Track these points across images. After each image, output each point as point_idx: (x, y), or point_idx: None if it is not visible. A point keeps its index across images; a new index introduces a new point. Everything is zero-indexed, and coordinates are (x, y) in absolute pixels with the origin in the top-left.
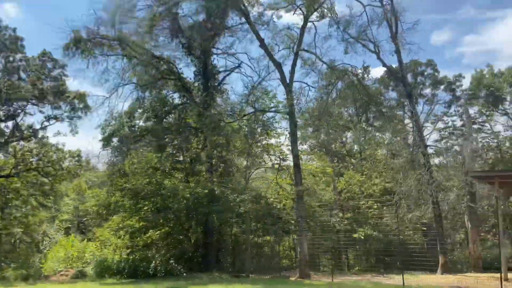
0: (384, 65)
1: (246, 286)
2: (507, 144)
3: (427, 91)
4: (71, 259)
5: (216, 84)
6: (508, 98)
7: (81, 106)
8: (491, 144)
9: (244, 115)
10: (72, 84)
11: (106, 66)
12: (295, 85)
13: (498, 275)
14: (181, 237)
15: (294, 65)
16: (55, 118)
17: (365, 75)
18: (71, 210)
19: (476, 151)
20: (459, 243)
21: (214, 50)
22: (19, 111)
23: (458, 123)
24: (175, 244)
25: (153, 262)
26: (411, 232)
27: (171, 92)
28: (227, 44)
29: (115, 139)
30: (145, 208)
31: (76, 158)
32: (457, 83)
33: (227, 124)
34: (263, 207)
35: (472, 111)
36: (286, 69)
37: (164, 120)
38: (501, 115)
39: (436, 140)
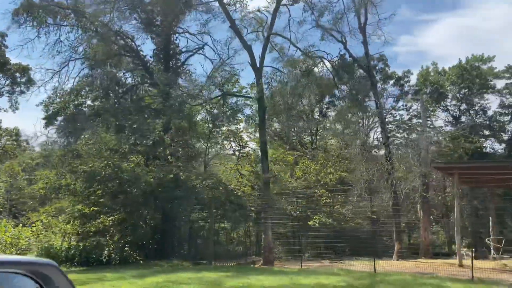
0: (351, 55)
1: (219, 274)
2: (447, 139)
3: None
4: (4, 245)
5: (178, 64)
6: (450, 95)
7: (23, 80)
8: (433, 138)
9: (212, 98)
10: (20, 57)
11: (59, 37)
12: (266, 70)
13: (450, 261)
14: (139, 223)
15: (264, 49)
16: None
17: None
18: (2, 193)
19: (431, 144)
20: (410, 230)
21: (177, 30)
22: None
23: (405, 117)
24: (130, 230)
25: (107, 249)
26: (361, 220)
27: (123, 72)
28: (191, 24)
29: (60, 119)
30: (98, 192)
31: (14, 138)
32: (405, 79)
33: (192, 106)
34: (223, 193)
35: (415, 106)
36: (256, 53)
37: (121, 99)
38: (443, 111)
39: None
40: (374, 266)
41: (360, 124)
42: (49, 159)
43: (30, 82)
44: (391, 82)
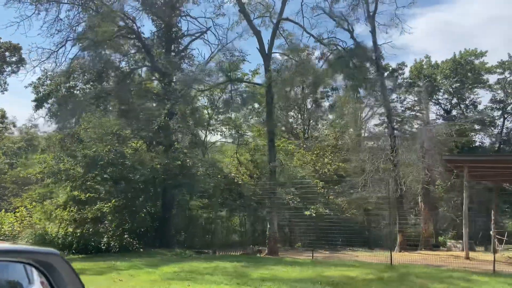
0: (358, 44)
1: (233, 264)
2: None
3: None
4: None
5: (181, 48)
6: (442, 88)
7: (13, 59)
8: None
9: (219, 83)
10: (15, 35)
11: (58, 15)
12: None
13: (454, 253)
14: (139, 210)
15: (273, 34)
16: None
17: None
18: None
19: (433, 135)
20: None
21: (181, 12)
22: None
23: (399, 109)
24: (130, 217)
25: (106, 236)
26: (356, 211)
27: (123, 54)
28: (193, 7)
29: (54, 101)
30: (97, 178)
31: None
32: (400, 71)
33: (198, 92)
34: (222, 181)
35: (409, 99)
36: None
37: (121, 83)
38: (434, 104)
39: (376, 124)
40: (391, 258)
41: (365, 114)
42: (48, 142)
43: (21, 62)
44: (385, 74)
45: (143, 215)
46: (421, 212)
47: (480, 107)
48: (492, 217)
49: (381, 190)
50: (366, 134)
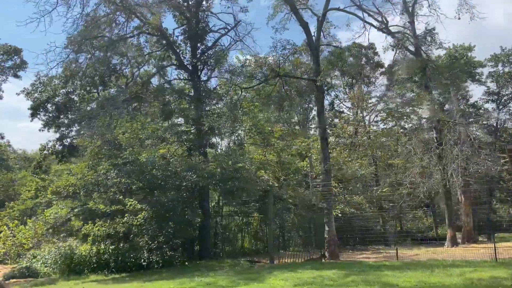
0: (393, 36)
1: (335, 272)
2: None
3: None
4: None
5: (209, 45)
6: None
7: (8, 65)
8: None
9: (266, 80)
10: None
11: (82, 10)
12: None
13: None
14: (183, 219)
15: (320, 26)
16: None
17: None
18: None
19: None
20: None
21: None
22: None
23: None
24: (169, 228)
25: (144, 251)
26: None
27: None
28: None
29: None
30: (133, 187)
31: None
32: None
33: (241, 89)
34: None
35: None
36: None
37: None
38: None
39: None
40: (495, 254)
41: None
42: (83, 151)
43: (23, 65)
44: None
45: (183, 225)
46: (461, 206)
47: (472, 100)
48: None
49: (427, 184)
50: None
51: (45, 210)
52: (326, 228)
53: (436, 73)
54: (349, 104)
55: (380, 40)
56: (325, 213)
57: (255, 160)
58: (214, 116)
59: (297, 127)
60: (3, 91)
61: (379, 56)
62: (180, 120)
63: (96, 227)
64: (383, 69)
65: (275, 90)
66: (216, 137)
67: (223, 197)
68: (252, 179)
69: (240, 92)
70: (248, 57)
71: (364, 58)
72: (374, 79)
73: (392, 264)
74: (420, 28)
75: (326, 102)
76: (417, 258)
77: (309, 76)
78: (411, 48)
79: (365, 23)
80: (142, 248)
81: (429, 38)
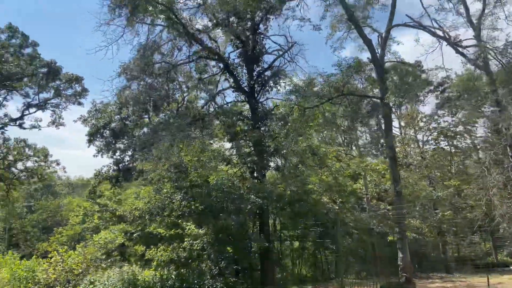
0: (457, 51)
1: None
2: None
3: None
4: (18, 280)
5: (265, 66)
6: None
7: (68, 92)
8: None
9: (330, 99)
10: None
11: (148, 36)
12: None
13: None
14: (246, 245)
15: (384, 43)
16: (38, 106)
17: None
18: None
19: None
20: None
21: (263, 29)
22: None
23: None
24: (239, 253)
25: (208, 276)
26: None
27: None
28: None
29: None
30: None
31: (41, 157)
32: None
33: (304, 109)
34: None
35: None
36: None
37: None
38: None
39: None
40: None
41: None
42: (146, 174)
43: (84, 92)
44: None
45: (244, 250)
46: None
47: None
48: None
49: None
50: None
51: (94, 235)
52: (400, 255)
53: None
54: (396, 123)
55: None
56: (397, 238)
57: (315, 182)
58: (280, 137)
59: (353, 148)
60: (62, 118)
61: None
62: (241, 142)
63: (159, 251)
64: (441, 87)
65: (338, 110)
66: (280, 158)
67: (286, 221)
68: (319, 202)
69: (302, 112)
70: (308, 76)
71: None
72: (425, 97)
73: None
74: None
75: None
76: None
77: (373, 94)
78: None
79: (438, 39)
80: (206, 274)
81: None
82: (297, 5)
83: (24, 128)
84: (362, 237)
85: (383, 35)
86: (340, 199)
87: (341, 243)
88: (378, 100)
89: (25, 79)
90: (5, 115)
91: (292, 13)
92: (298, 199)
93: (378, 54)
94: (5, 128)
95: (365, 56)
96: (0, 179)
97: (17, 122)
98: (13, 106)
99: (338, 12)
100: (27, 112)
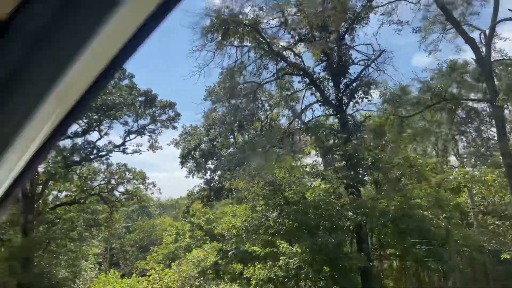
0: None
1: None
2: None
3: None
4: None
5: (352, 78)
6: None
7: (163, 118)
8: None
9: (431, 105)
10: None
11: (237, 57)
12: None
13: None
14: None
15: (489, 41)
16: (138, 132)
17: None
18: (100, 243)
19: None
20: None
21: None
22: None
23: None
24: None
25: None
26: None
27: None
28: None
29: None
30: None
31: (140, 180)
32: None
33: (401, 119)
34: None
35: None
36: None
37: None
38: None
39: None
40: None
41: None
42: (237, 193)
43: (176, 117)
44: None
45: (344, 270)
46: None
47: None
48: None
49: None
50: None
51: (187, 253)
52: None
53: None
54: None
55: None
56: None
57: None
58: (375, 149)
59: (455, 158)
60: (158, 143)
61: None
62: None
63: (257, 270)
64: None
65: (439, 117)
66: (377, 172)
67: (389, 238)
68: (426, 217)
69: (400, 121)
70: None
71: None
72: None
73: None
74: None
75: None
76: None
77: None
78: None
79: None
80: None
81: None
82: (393, 10)
83: (127, 153)
84: (472, 255)
85: (487, 32)
86: (443, 214)
87: (454, 263)
88: (483, 104)
89: (124, 108)
90: (110, 142)
91: (387, 18)
92: (403, 215)
93: (483, 53)
94: (110, 154)
95: (461, 57)
96: (105, 202)
97: (120, 148)
98: (114, 134)
99: (432, 13)
100: (128, 138)
